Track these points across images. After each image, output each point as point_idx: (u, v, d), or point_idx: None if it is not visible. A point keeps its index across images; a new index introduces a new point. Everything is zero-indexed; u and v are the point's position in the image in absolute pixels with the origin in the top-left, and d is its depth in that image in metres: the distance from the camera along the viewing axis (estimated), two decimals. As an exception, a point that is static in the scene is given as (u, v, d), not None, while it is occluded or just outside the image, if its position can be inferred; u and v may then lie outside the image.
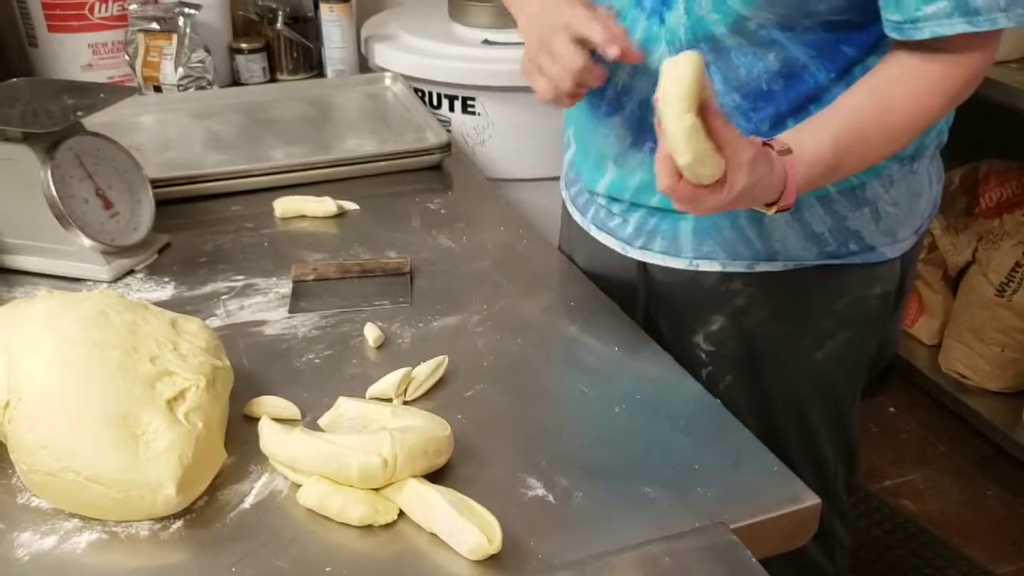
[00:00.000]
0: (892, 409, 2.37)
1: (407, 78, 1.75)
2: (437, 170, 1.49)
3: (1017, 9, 0.86)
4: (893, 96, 0.91)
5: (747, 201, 0.88)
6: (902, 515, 2.04)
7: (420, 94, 1.74)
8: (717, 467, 0.86)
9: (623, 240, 1.13)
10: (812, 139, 0.90)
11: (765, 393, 1.14)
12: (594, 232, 1.17)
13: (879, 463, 2.19)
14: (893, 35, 0.90)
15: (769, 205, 0.90)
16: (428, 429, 0.83)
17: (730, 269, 1.07)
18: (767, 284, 1.07)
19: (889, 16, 0.89)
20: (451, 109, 1.75)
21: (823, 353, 1.12)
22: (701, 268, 1.08)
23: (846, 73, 0.97)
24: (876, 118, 0.91)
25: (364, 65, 1.89)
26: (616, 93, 1.05)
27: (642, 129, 1.04)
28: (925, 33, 0.87)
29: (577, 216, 1.21)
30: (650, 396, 0.95)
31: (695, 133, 0.78)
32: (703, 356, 1.14)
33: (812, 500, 0.82)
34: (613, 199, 1.12)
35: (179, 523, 0.79)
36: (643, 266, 1.13)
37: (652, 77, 0.97)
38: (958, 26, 0.86)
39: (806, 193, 0.94)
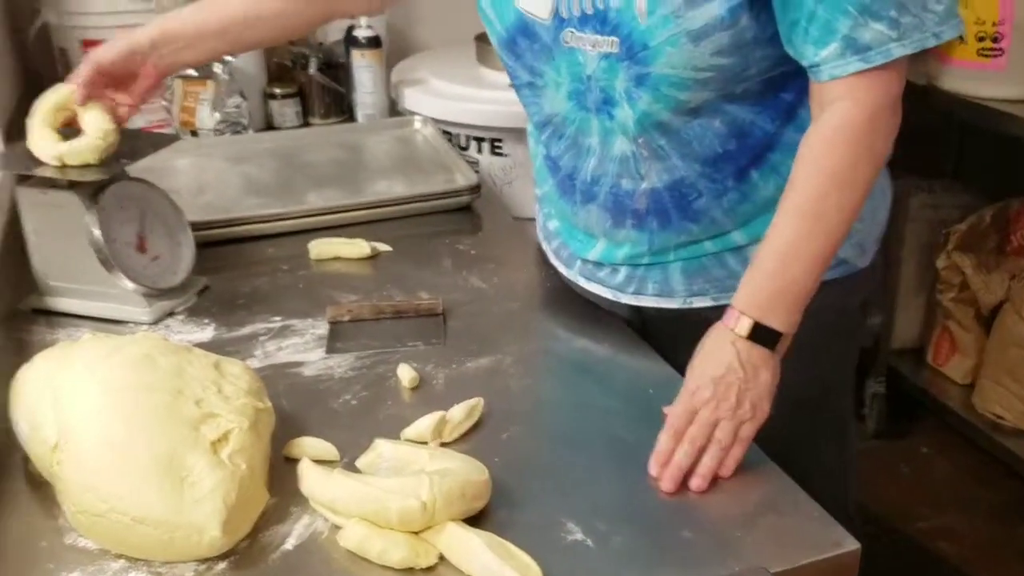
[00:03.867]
0: (924, 450, 2.34)
1: (436, 121, 1.78)
2: (467, 211, 1.51)
3: (914, 35, 0.87)
4: (807, 167, 0.93)
5: (720, 367, 0.93)
6: (936, 557, 2.01)
7: (449, 136, 1.77)
8: (755, 511, 0.86)
9: (614, 288, 1.15)
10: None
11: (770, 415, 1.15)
12: (583, 282, 1.19)
13: (912, 505, 2.16)
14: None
15: (765, 340, 0.94)
16: (466, 472, 0.83)
17: (722, 302, 1.07)
18: None
19: (800, 63, 0.93)
20: (479, 151, 1.78)
21: (818, 367, 1.14)
22: (695, 305, 1.11)
23: (791, 117, 1.01)
24: (794, 199, 0.94)
25: (394, 109, 1.92)
26: (586, 184, 1.09)
27: (618, 210, 1.08)
28: (824, 76, 0.90)
29: (562, 268, 1.23)
30: (685, 438, 0.95)
31: None
32: None
33: (852, 545, 0.81)
34: (601, 263, 1.15)
35: (223, 564, 0.79)
36: (635, 307, 1.16)
37: (615, 164, 1.05)
38: (852, 65, 0.88)
39: (794, 308, 0.96)
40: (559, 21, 0.99)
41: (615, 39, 0.95)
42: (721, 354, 0.94)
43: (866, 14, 0.86)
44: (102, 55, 1.15)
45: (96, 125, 1.13)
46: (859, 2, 0.86)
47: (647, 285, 1.12)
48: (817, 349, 1.12)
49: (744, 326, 0.94)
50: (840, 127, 0.92)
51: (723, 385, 0.92)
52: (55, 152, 1.12)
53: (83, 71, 1.14)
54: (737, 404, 0.92)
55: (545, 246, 1.27)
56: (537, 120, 1.13)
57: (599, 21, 0.96)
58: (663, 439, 0.91)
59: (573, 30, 0.98)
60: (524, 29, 1.03)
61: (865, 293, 1.18)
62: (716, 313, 1.06)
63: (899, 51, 0.87)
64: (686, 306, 1.11)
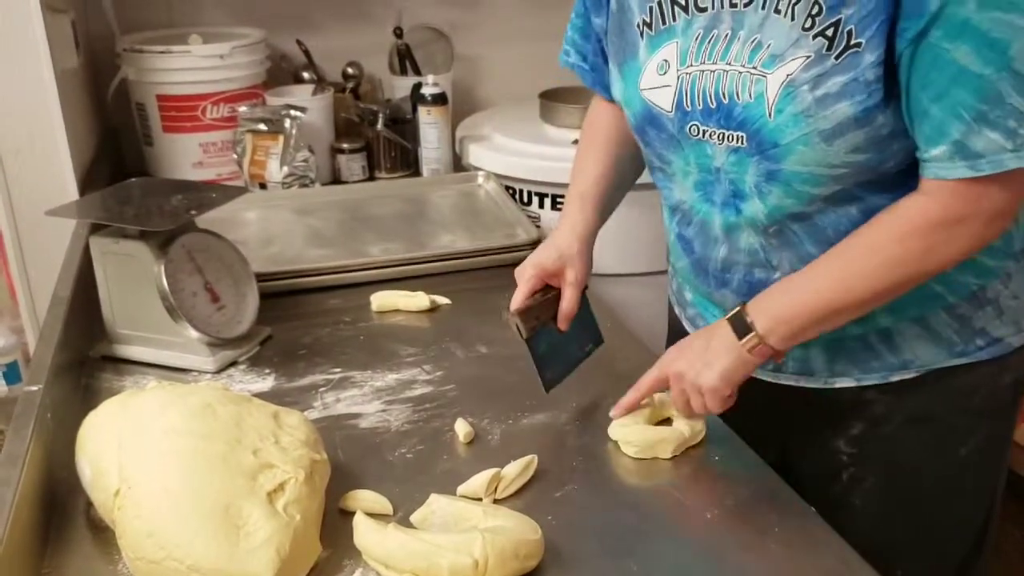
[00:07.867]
0: (1014, 532, 2.25)
1: (499, 176, 1.80)
2: (528, 266, 1.52)
3: None
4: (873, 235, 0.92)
5: (705, 356, 0.98)
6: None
7: (511, 191, 1.79)
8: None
9: None
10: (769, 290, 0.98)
11: (912, 490, 1.12)
12: None
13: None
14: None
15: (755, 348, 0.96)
16: (519, 531, 0.83)
17: (865, 382, 1.07)
18: (902, 390, 1.07)
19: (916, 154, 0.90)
20: (540, 206, 1.79)
21: (967, 448, 1.10)
22: (836, 385, 1.08)
23: None
24: (851, 253, 0.93)
25: (458, 164, 1.95)
26: (718, 272, 1.07)
27: (753, 294, 1.04)
28: (929, 174, 0.87)
29: None
30: (743, 502, 0.94)
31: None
32: (844, 459, 1.13)
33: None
34: None
35: (274, 616, 0.80)
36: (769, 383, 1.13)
37: (744, 255, 1.04)
38: (958, 170, 0.84)
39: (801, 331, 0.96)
40: (682, 113, 0.99)
41: (742, 134, 0.94)
42: (720, 359, 0.97)
43: (981, 122, 0.82)
44: (540, 265, 1.10)
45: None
46: (975, 108, 0.82)
47: (787, 363, 1.09)
48: (963, 432, 1.09)
49: (757, 354, 0.96)
50: (917, 222, 0.89)
51: (693, 373, 0.98)
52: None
53: (527, 285, 1.09)
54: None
55: (679, 311, 1.25)
56: (669, 203, 1.12)
57: (723, 115, 0.95)
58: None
59: (697, 123, 0.98)
60: (651, 119, 1.03)
61: (1018, 373, 1.11)
62: (857, 395, 1.07)
63: (1014, 163, 0.83)
64: (827, 386, 1.09)
